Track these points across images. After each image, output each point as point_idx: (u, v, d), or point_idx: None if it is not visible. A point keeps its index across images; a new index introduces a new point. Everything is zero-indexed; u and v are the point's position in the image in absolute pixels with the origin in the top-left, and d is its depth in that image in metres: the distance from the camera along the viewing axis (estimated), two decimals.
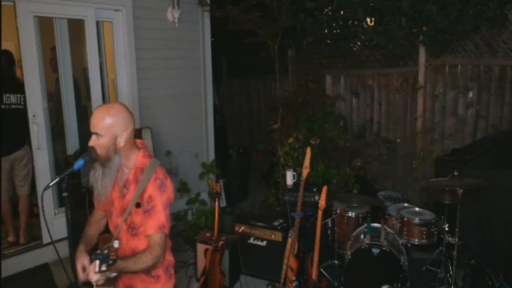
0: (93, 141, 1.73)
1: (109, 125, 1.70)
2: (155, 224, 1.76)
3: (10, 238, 3.72)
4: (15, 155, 3.66)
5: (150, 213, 1.77)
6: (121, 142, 1.74)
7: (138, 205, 1.79)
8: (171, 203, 1.85)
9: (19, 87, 3.55)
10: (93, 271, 1.53)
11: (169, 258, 1.99)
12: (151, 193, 1.76)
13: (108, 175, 1.77)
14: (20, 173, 3.72)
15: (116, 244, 1.61)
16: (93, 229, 2.02)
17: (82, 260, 1.77)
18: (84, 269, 1.74)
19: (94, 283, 1.57)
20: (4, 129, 3.52)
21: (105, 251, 1.56)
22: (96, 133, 1.71)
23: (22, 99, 3.56)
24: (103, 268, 1.52)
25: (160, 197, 1.77)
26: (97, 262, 1.51)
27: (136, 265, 1.68)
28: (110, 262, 1.54)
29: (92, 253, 1.56)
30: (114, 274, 1.58)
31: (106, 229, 2.06)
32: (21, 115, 3.52)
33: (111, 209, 1.92)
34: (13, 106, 3.58)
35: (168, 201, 1.81)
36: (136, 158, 1.84)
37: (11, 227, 3.74)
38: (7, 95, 3.56)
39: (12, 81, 3.69)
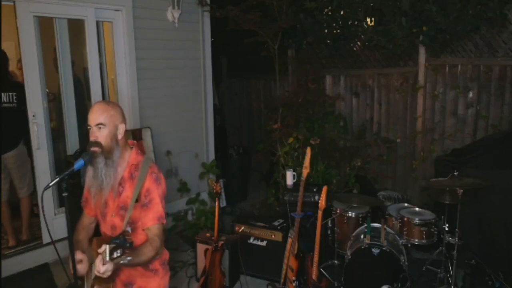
0: (95, 133, 1.79)
1: (111, 115, 1.81)
2: (154, 216, 1.85)
3: (10, 243, 3.65)
4: (7, 156, 3.56)
5: (149, 206, 1.85)
6: (120, 133, 1.84)
7: (136, 201, 1.84)
8: (165, 196, 1.94)
9: (11, 86, 3.48)
10: (102, 261, 1.54)
11: (165, 252, 2.06)
12: (148, 187, 1.85)
13: (112, 167, 1.83)
14: (15, 175, 3.66)
15: (129, 229, 1.71)
16: (82, 234, 2.03)
17: (78, 254, 1.80)
18: (80, 261, 1.78)
19: (99, 274, 1.57)
20: None
21: (121, 236, 1.59)
22: (99, 124, 1.78)
23: (14, 98, 3.48)
24: (118, 253, 1.53)
25: (156, 189, 1.87)
26: (107, 248, 1.51)
27: (139, 257, 1.72)
28: (128, 244, 1.57)
29: (111, 239, 1.58)
30: (128, 258, 1.60)
31: (95, 234, 2.08)
32: (14, 114, 3.45)
33: (105, 210, 1.94)
34: (5, 105, 3.46)
35: (163, 193, 1.91)
36: (130, 156, 1.92)
37: (10, 231, 3.68)
38: None
39: (4, 79, 3.56)
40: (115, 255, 1.53)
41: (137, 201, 1.84)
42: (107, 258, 1.52)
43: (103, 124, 1.78)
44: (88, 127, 1.82)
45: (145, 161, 1.91)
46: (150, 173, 1.87)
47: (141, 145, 3.83)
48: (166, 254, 2.07)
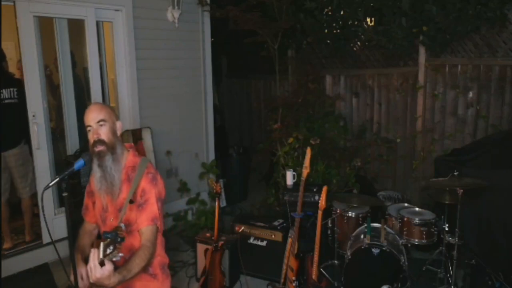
0: (97, 131, 1.80)
1: (109, 112, 1.87)
2: (148, 216, 1.81)
3: (6, 245, 3.59)
4: (9, 154, 3.51)
5: (144, 206, 1.82)
6: (118, 129, 1.89)
7: (130, 201, 1.83)
8: (162, 198, 1.91)
9: (11, 81, 3.47)
10: (95, 263, 1.49)
11: (164, 257, 2.02)
12: (144, 187, 1.83)
13: (119, 161, 1.85)
14: (17, 175, 3.61)
15: (122, 226, 1.69)
16: (85, 239, 2.02)
17: (81, 268, 1.78)
18: (82, 277, 1.76)
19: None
20: None
21: (113, 231, 1.60)
22: (101, 120, 1.80)
23: (15, 93, 3.46)
24: (110, 250, 1.52)
25: (153, 189, 1.84)
26: (102, 244, 1.51)
27: (132, 271, 1.65)
28: (119, 239, 1.56)
29: (103, 233, 1.59)
30: (121, 255, 1.57)
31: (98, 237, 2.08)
32: (16, 110, 3.43)
33: (104, 214, 1.93)
34: (7, 101, 3.42)
35: (159, 194, 1.88)
36: (127, 158, 1.92)
37: (7, 232, 3.63)
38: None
39: (3, 76, 3.53)
40: (108, 251, 1.52)
41: (133, 202, 1.82)
42: (101, 255, 1.49)
43: (104, 120, 1.81)
44: (88, 128, 1.82)
45: (142, 162, 1.91)
46: (146, 173, 1.86)
47: (141, 145, 3.83)
48: (165, 258, 2.03)
